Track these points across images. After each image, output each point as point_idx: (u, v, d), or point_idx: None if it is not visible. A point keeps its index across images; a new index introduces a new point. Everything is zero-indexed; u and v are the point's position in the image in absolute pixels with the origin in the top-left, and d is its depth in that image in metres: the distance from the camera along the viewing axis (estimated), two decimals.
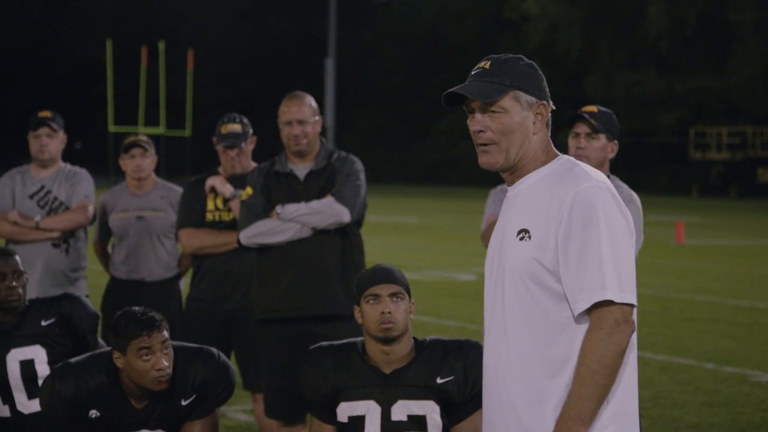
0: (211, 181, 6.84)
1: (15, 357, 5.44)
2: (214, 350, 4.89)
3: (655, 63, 57.29)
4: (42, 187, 7.15)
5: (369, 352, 4.55)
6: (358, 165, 6.26)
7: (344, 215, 6.07)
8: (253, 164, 6.99)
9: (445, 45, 64.15)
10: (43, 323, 5.49)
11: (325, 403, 4.56)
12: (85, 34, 59.50)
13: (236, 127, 6.89)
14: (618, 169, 5.71)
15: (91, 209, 7.13)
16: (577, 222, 3.26)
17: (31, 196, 7.13)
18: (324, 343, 4.72)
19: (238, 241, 6.20)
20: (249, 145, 6.94)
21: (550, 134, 3.47)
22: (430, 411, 4.50)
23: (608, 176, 5.51)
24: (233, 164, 6.89)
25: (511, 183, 3.44)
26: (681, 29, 56.94)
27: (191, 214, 6.89)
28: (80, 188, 7.15)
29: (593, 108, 5.51)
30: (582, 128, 5.45)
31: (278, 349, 6.08)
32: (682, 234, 25.55)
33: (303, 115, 6.15)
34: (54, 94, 59.33)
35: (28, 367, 5.44)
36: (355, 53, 63.59)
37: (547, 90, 3.46)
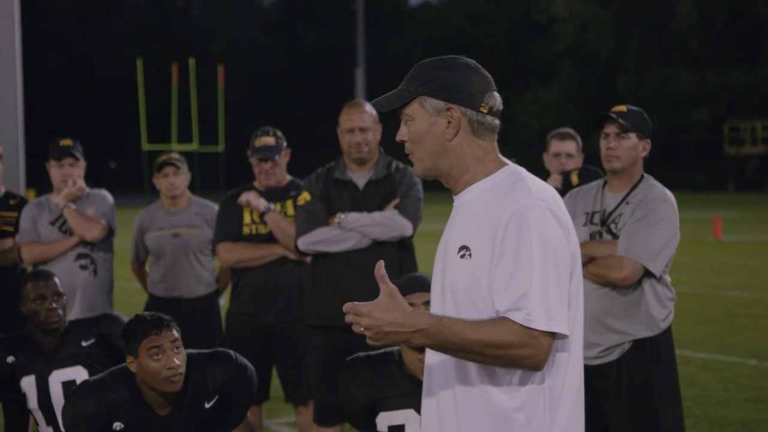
0: (246, 196, 6.86)
1: (57, 378, 5.48)
2: (231, 351, 4.92)
3: (686, 59, 57.02)
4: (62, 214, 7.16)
5: (406, 360, 4.53)
6: (417, 177, 6.27)
7: (407, 229, 6.12)
8: (288, 177, 7.03)
9: (475, 50, 63.92)
10: (84, 344, 5.52)
11: (365, 414, 4.55)
12: (116, 54, 59.82)
13: (270, 140, 6.91)
14: (653, 167, 5.69)
15: (103, 222, 7.08)
16: (510, 242, 3.04)
17: (53, 223, 7.13)
18: (360, 354, 4.71)
19: (296, 247, 6.21)
20: (283, 158, 6.96)
21: (496, 140, 3.21)
22: None
23: (642, 176, 5.47)
24: (267, 177, 6.91)
25: (456, 193, 3.26)
26: (710, 24, 56.67)
27: (228, 228, 6.92)
28: (97, 207, 7.14)
29: (623, 107, 5.49)
30: (611, 128, 5.43)
31: (331, 356, 6.06)
32: (719, 230, 25.38)
33: (365, 123, 6.20)
34: (86, 115, 59.72)
35: (70, 388, 5.46)
36: (385, 61, 63.63)
37: (480, 92, 3.16)
